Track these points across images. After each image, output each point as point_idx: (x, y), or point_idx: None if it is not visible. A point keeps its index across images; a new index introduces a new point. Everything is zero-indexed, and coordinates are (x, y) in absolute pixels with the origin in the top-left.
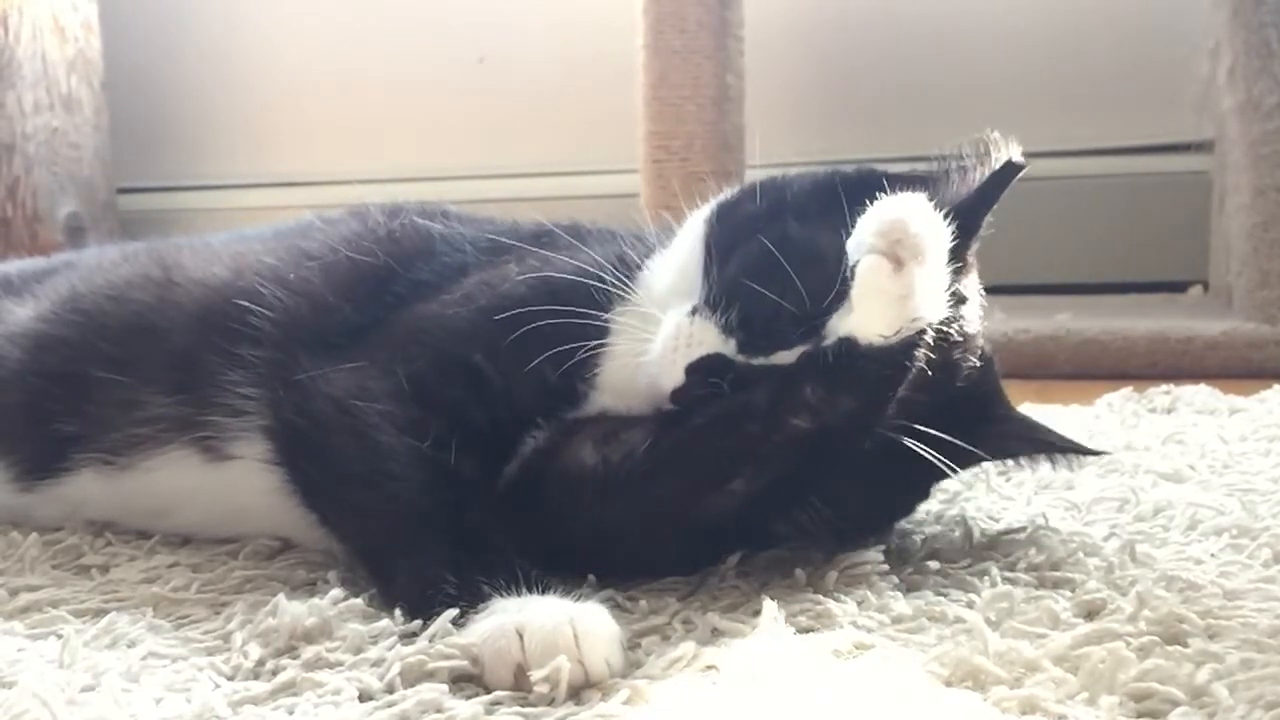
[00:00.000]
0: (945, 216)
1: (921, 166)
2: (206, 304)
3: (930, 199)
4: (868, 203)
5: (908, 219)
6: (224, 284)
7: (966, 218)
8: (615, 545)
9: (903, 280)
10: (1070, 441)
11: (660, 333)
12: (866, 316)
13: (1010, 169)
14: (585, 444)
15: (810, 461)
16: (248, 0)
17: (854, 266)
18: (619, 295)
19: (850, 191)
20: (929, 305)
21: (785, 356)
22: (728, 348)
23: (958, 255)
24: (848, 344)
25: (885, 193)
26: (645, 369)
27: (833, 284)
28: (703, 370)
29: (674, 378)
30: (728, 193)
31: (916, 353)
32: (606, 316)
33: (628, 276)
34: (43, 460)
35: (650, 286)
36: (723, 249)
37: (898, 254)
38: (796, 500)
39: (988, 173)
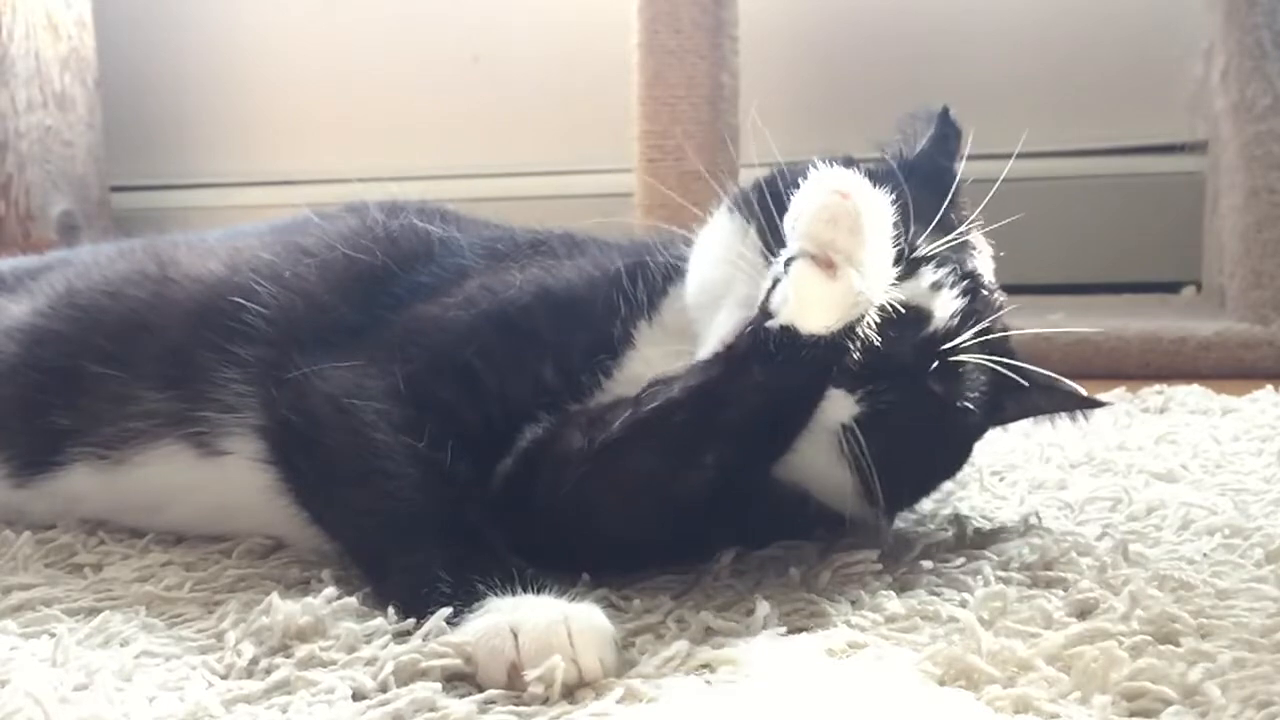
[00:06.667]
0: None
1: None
2: (201, 301)
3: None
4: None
5: (837, 212)
6: (219, 280)
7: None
8: (601, 527)
9: (838, 285)
10: (1081, 394)
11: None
12: (806, 316)
13: (944, 115)
14: (574, 432)
15: (774, 427)
16: None
17: (788, 261)
18: (635, 303)
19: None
20: (872, 286)
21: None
22: None
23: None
24: (790, 333)
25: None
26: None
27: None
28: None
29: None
30: (739, 189)
31: (863, 322)
32: (616, 325)
33: (641, 285)
34: (37, 455)
35: (680, 294)
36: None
37: (830, 258)
38: (772, 463)
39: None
